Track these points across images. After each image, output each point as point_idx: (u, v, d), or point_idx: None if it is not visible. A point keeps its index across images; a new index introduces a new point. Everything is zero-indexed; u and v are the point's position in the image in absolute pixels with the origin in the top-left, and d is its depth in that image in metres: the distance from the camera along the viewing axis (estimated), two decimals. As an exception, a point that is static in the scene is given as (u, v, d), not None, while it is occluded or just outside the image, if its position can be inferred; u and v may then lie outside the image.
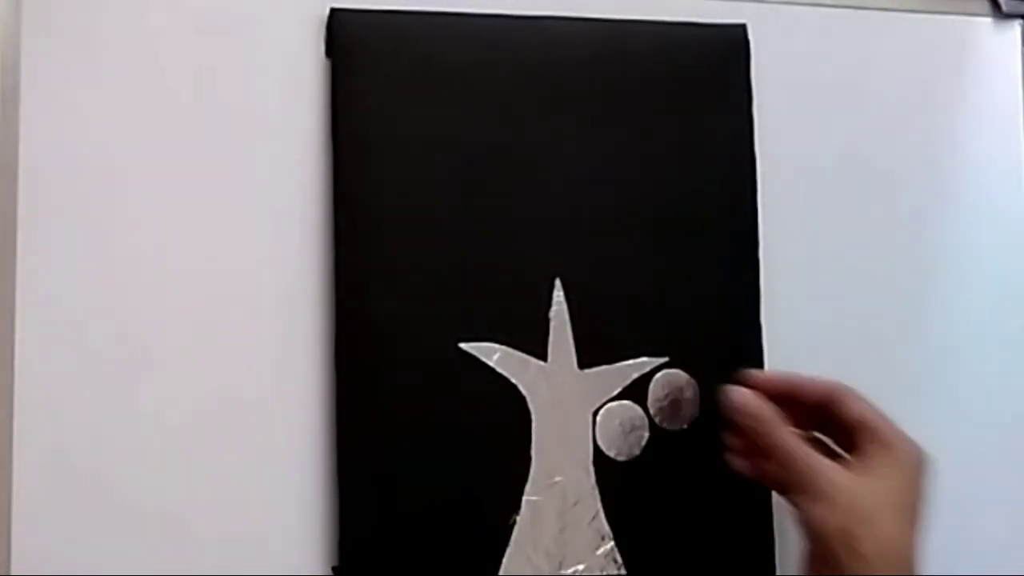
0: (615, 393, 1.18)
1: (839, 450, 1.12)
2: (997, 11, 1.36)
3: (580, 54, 1.20)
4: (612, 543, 1.16)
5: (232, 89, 1.14)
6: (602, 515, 1.16)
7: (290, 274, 1.14)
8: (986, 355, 1.32)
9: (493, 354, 1.15)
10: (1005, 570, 1.29)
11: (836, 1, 1.31)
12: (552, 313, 1.17)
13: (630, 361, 1.18)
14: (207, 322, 1.11)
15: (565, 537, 1.14)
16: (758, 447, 1.11)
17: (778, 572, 1.20)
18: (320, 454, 1.12)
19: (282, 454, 1.12)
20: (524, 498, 1.14)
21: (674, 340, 1.19)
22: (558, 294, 1.17)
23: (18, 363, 1.07)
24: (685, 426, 1.18)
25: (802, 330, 1.25)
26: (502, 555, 1.13)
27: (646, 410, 1.18)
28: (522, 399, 1.15)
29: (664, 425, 1.18)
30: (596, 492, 1.16)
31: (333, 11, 1.16)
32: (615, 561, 1.15)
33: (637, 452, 1.17)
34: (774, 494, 1.19)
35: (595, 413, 1.17)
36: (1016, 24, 1.36)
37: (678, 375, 1.18)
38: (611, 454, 1.17)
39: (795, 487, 1.07)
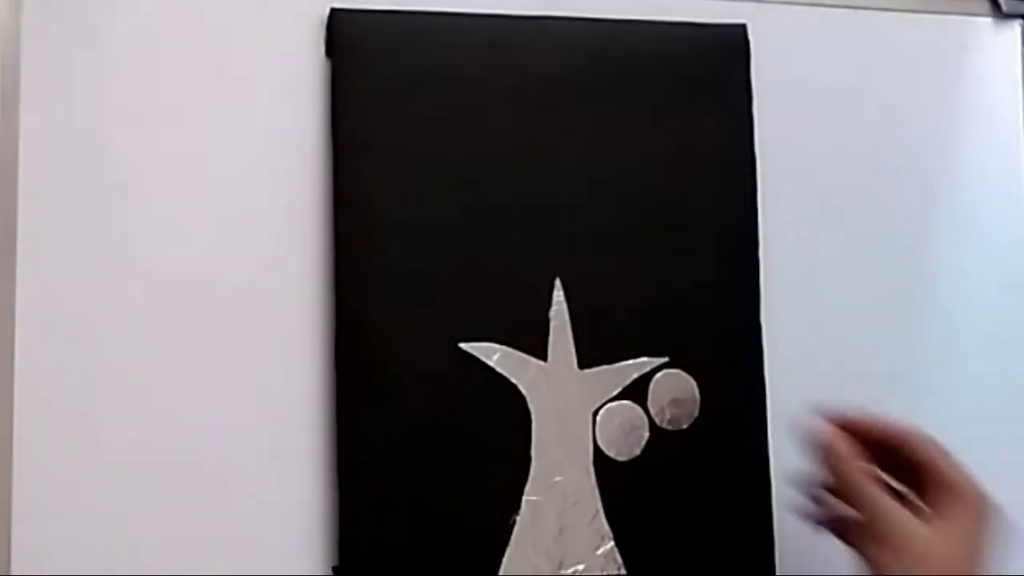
0: (615, 393, 1.18)
1: (902, 488, 1.10)
2: (997, 11, 1.36)
3: (580, 54, 1.20)
4: (612, 543, 1.16)
5: (232, 89, 1.14)
6: (602, 515, 1.16)
7: (290, 274, 1.14)
8: (986, 355, 1.32)
9: (493, 354, 1.15)
10: (1005, 569, 1.29)
11: (836, 1, 1.31)
12: (552, 313, 1.17)
13: (630, 361, 1.18)
14: (207, 322, 1.11)
15: (565, 537, 1.14)
16: (833, 486, 1.10)
17: (778, 572, 1.20)
18: (320, 454, 1.12)
19: (282, 454, 1.12)
20: (524, 498, 1.14)
21: (674, 340, 1.19)
22: (558, 294, 1.17)
23: (18, 363, 1.07)
24: (685, 426, 1.19)
25: (802, 330, 1.25)
26: (502, 555, 1.13)
27: (646, 410, 1.18)
28: (522, 399, 1.15)
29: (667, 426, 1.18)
30: (596, 492, 1.16)
31: (333, 11, 1.16)
32: (615, 561, 1.16)
33: (637, 452, 1.17)
34: (774, 494, 1.20)
35: (595, 413, 1.17)
36: (1016, 24, 1.37)
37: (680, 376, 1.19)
38: (611, 454, 1.17)
39: (867, 532, 1.06)
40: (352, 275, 1.13)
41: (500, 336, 1.15)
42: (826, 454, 1.10)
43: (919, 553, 1.02)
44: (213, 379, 1.11)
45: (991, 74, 1.35)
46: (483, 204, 1.16)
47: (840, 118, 1.30)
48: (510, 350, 1.15)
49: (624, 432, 1.17)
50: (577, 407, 1.16)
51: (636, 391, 1.18)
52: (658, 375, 1.18)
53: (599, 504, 1.16)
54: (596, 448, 1.16)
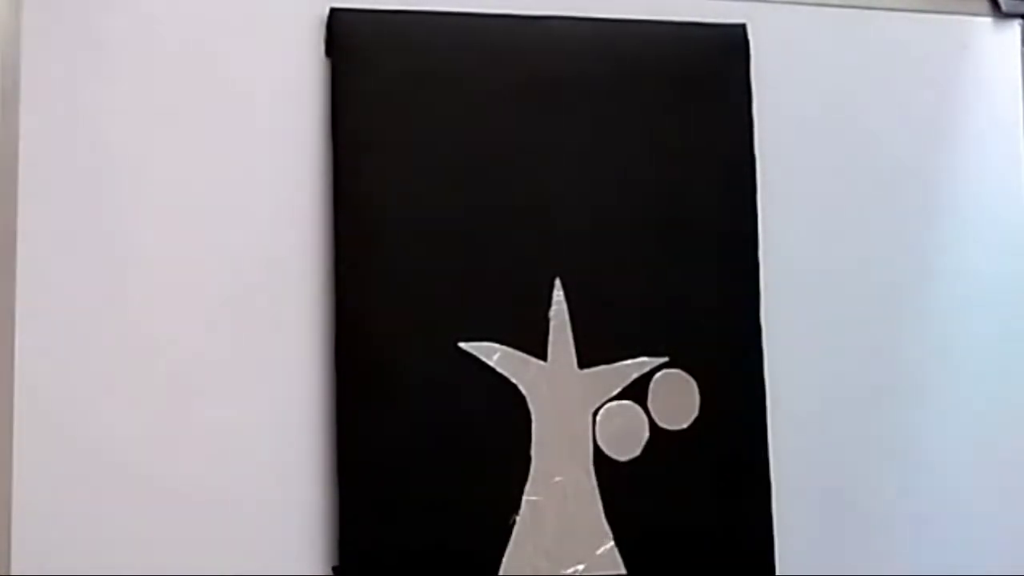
0: (615, 393, 1.18)
1: None
2: (997, 11, 1.36)
3: (581, 54, 1.20)
4: (612, 543, 1.16)
5: (232, 89, 1.14)
6: (602, 515, 1.16)
7: (290, 274, 1.14)
8: (985, 354, 1.32)
9: (493, 354, 1.15)
10: (1005, 569, 1.29)
11: (836, 1, 1.31)
12: (552, 313, 1.17)
13: (630, 361, 1.18)
14: (207, 322, 1.11)
15: (565, 537, 1.14)
16: None
17: (778, 572, 1.20)
18: (320, 454, 1.12)
19: (282, 455, 1.12)
20: (524, 498, 1.14)
21: (674, 340, 1.19)
22: (558, 294, 1.17)
23: (18, 363, 1.07)
24: (685, 426, 1.19)
25: (802, 330, 1.25)
26: (502, 555, 1.13)
27: (646, 410, 1.18)
28: (522, 399, 1.15)
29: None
30: (596, 492, 1.16)
31: (333, 11, 1.16)
32: (615, 561, 1.15)
33: (637, 452, 1.18)
34: (774, 494, 1.20)
35: (595, 413, 1.17)
36: (1016, 24, 1.36)
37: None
38: (611, 454, 1.17)
39: None
40: (352, 275, 1.13)
41: (500, 336, 1.15)
42: None
43: None
44: (213, 379, 1.11)
45: (991, 74, 1.35)
46: (483, 204, 1.16)
47: (840, 118, 1.30)
48: (510, 350, 1.15)
49: (624, 432, 1.17)
50: (577, 407, 1.16)
51: (636, 391, 1.18)
52: (658, 375, 1.19)
53: (599, 504, 1.16)
54: (596, 448, 1.16)
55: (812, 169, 1.28)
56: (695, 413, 1.18)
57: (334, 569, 1.11)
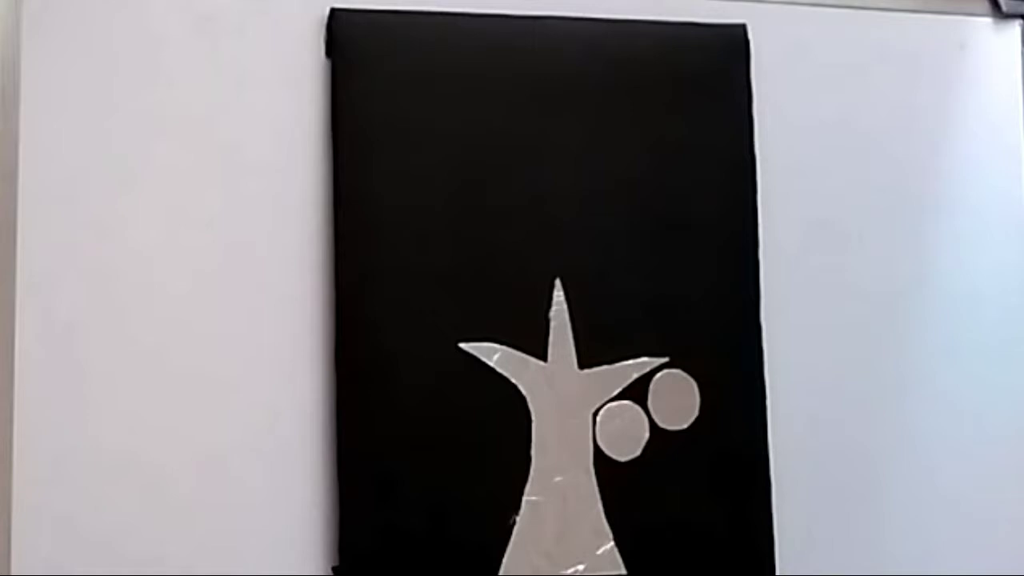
0: (615, 393, 1.18)
1: None
2: (997, 11, 1.36)
3: (580, 54, 1.21)
4: (612, 543, 1.16)
5: (232, 89, 1.14)
6: (602, 515, 1.16)
7: (290, 274, 1.14)
8: (986, 354, 1.32)
9: (493, 354, 1.15)
10: (1004, 568, 1.29)
11: (836, 1, 1.31)
12: (552, 313, 1.17)
13: (630, 361, 1.18)
14: (207, 322, 1.11)
15: (565, 537, 1.14)
16: None
17: (778, 572, 1.20)
18: (320, 454, 1.12)
19: (282, 455, 1.12)
20: (524, 498, 1.14)
21: (674, 340, 1.19)
22: (558, 294, 1.17)
23: (18, 363, 1.07)
24: (685, 426, 1.19)
25: (802, 330, 1.25)
26: (502, 555, 1.13)
27: (646, 410, 1.18)
28: (522, 399, 1.15)
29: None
30: (596, 492, 1.16)
31: (333, 11, 1.16)
32: (615, 561, 1.16)
33: (637, 452, 1.18)
34: (774, 494, 1.20)
35: (595, 413, 1.17)
36: (1016, 24, 1.36)
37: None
38: (611, 454, 1.17)
39: None
40: (352, 275, 1.13)
41: (500, 336, 1.15)
42: None
43: None
44: (213, 380, 1.11)
45: (991, 74, 1.35)
46: (483, 204, 1.16)
47: (840, 118, 1.30)
48: (510, 350, 1.15)
49: (624, 432, 1.17)
50: (577, 407, 1.17)
51: (636, 391, 1.18)
52: (658, 375, 1.19)
53: (599, 504, 1.16)
54: (596, 448, 1.16)
55: (812, 169, 1.28)
56: (695, 413, 1.19)
57: (334, 569, 1.11)
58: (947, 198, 1.33)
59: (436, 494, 1.12)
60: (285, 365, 1.13)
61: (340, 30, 1.15)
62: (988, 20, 1.36)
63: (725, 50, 1.25)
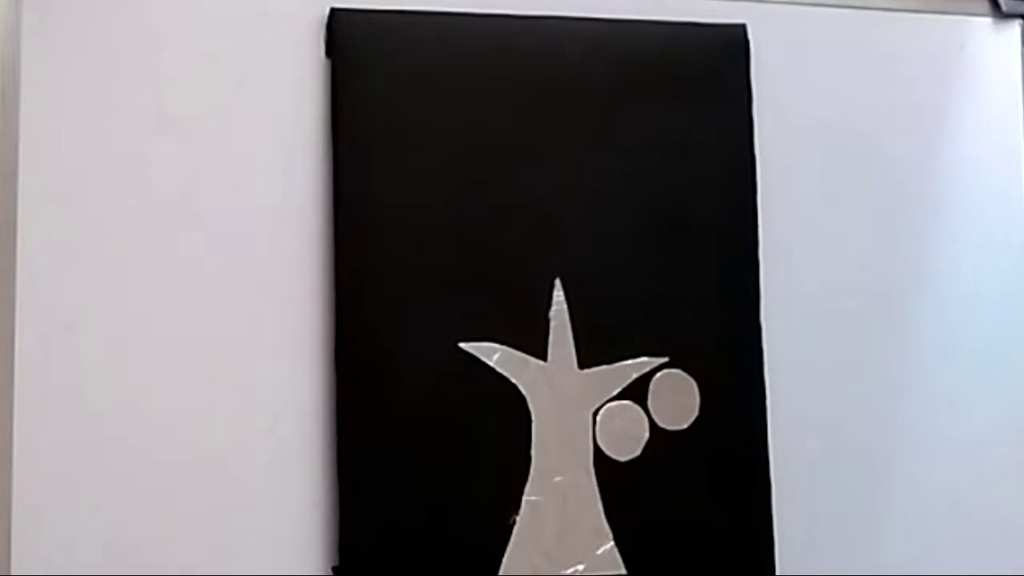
0: (615, 393, 1.18)
1: None
2: (997, 11, 1.36)
3: (581, 54, 1.21)
4: (612, 543, 1.16)
5: (232, 89, 1.14)
6: (602, 515, 1.16)
7: (290, 274, 1.14)
8: (986, 354, 1.32)
9: (493, 354, 1.15)
10: (1004, 568, 1.29)
11: (836, 1, 1.31)
12: (552, 313, 1.17)
13: (630, 361, 1.18)
14: (207, 322, 1.11)
15: (565, 537, 1.14)
16: None
17: (778, 572, 1.20)
18: (320, 454, 1.12)
19: (282, 454, 1.12)
20: (524, 498, 1.14)
21: (674, 340, 1.19)
22: (558, 294, 1.17)
23: (18, 363, 1.07)
24: (685, 426, 1.19)
25: (802, 330, 1.25)
26: (502, 555, 1.13)
27: (646, 410, 1.18)
28: (522, 399, 1.15)
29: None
30: (596, 492, 1.16)
31: (333, 11, 1.16)
32: (615, 561, 1.16)
33: (637, 452, 1.18)
34: (774, 493, 1.20)
35: (595, 413, 1.17)
36: (1016, 24, 1.36)
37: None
38: (611, 454, 1.17)
39: None
40: (352, 275, 1.13)
41: (500, 336, 1.15)
42: None
43: None
44: (213, 379, 1.11)
45: (991, 74, 1.35)
46: (483, 204, 1.16)
47: (840, 118, 1.30)
48: (510, 350, 1.15)
49: (624, 432, 1.17)
50: (577, 407, 1.17)
51: (636, 391, 1.18)
52: (658, 375, 1.19)
53: (599, 504, 1.16)
54: (596, 448, 1.16)
55: (812, 169, 1.28)
56: (695, 413, 1.19)
57: (334, 569, 1.11)
58: (947, 198, 1.33)
59: (436, 494, 1.12)
60: (285, 365, 1.13)
61: (340, 30, 1.15)
62: (988, 20, 1.36)
63: (725, 50, 1.25)
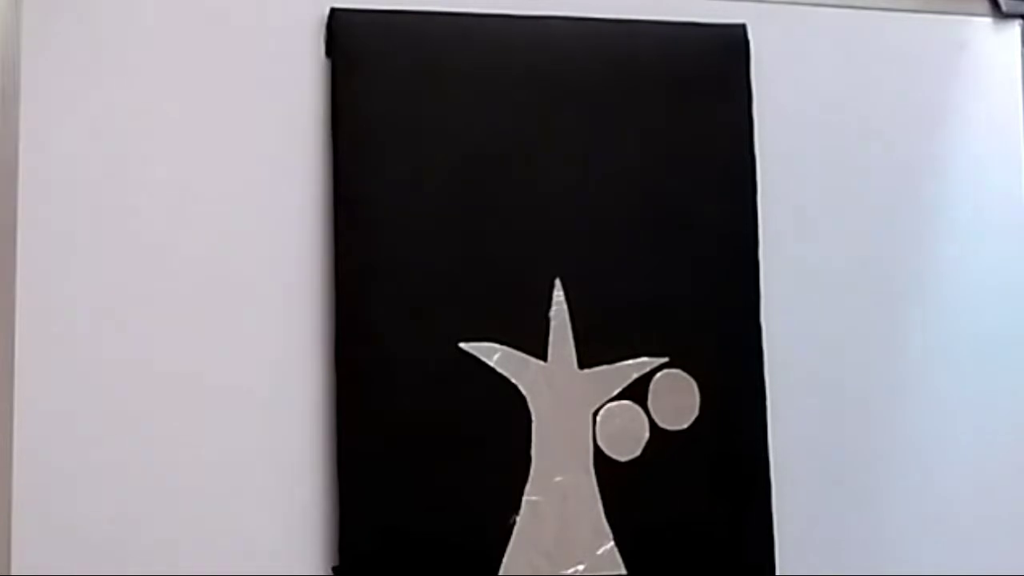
0: (615, 393, 1.18)
1: None
2: (997, 11, 1.36)
3: (581, 54, 1.20)
4: (612, 543, 1.16)
5: (233, 89, 1.14)
6: (602, 515, 1.16)
7: (290, 274, 1.14)
8: (986, 354, 1.32)
9: (493, 354, 1.15)
10: (1004, 568, 1.29)
11: (836, 1, 1.31)
12: (552, 313, 1.17)
13: (630, 361, 1.18)
14: (207, 322, 1.11)
15: (565, 537, 1.14)
16: None
17: (778, 572, 1.20)
18: (320, 454, 1.12)
19: (282, 455, 1.12)
20: (524, 498, 1.14)
21: (674, 340, 1.19)
22: (558, 294, 1.17)
23: (18, 363, 1.07)
24: (685, 426, 1.19)
25: (802, 330, 1.25)
26: (502, 555, 1.13)
27: (647, 410, 1.18)
28: (522, 399, 1.15)
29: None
30: (596, 492, 1.16)
31: (333, 11, 1.16)
32: (615, 561, 1.16)
33: (637, 452, 1.18)
34: (774, 493, 1.20)
35: (595, 413, 1.17)
36: (1016, 24, 1.36)
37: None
38: (611, 454, 1.17)
39: None
40: (352, 275, 1.13)
41: (500, 336, 1.15)
42: None
43: None
44: (213, 379, 1.11)
45: (991, 74, 1.35)
46: (483, 204, 1.16)
47: (840, 118, 1.30)
48: (510, 350, 1.15)
49: (624, 432, 1.17)
50: (577, 407, 1.16)
51: (636, 391, 1.18)
52: (658, 375, 1.19)
53: (599, 504, 1.16)
54: (596, 448, 1.16)
55: (812, 169, 1.28)
56: (695, 413, 1.19)
57: (334, 569, 1.11)
58: (947, 198, 1.33)
59: (436, 494, 1.12)
60: (285, 365, 1.13)
61: (340, 30, 1.15)
62: (988, 20, 1.36)
63: (725, 50, 1.25)
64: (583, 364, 1.16)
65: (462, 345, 1.14)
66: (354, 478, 1.11)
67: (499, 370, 1.14)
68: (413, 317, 1.13)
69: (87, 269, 1.09)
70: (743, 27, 1.25)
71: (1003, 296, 1.33)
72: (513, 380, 1.15)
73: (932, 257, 1.32)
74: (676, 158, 1.22)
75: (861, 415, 1.26)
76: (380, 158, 1.14)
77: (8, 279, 1.07)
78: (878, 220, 1.30)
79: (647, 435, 1.18)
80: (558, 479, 1.15)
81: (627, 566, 1.15)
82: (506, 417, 1.14)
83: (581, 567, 1.15)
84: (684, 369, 1.19)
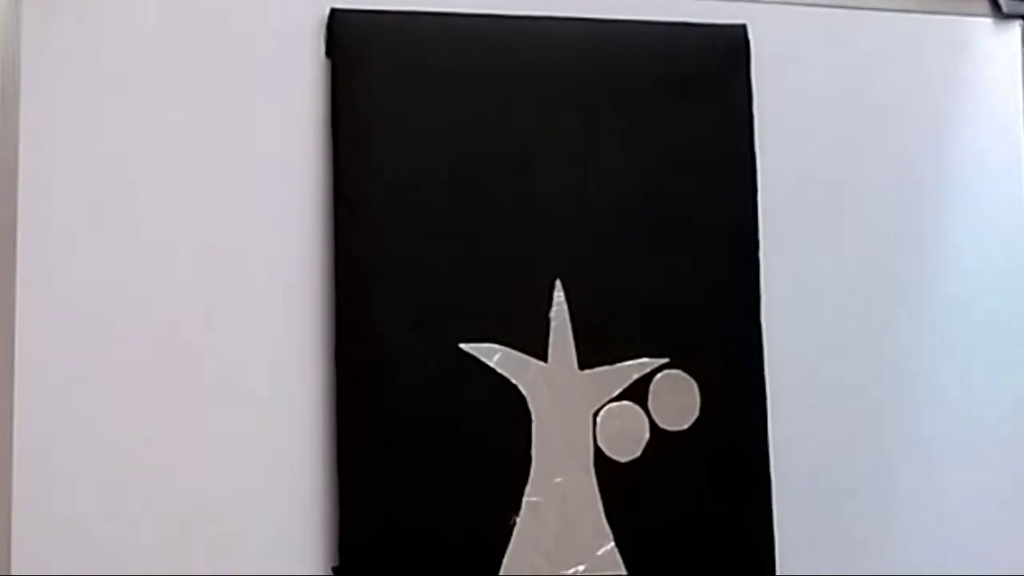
0: (615, 394, 1.18)
1: None
2: (997, 11, 1.36)
3: (580, 54, 1.20)
4: (612, 543, 1.16)
5: (232, 89, 1.14)
6: (602, 515, 1.16)
7: (290, 274, 1.14)
8: (986, 354, 1.32)
9: (493, 354, 1.15)
10: (1004, 568, 1.29)
11: (836, 1, 1.31)
12: (552, 313, 1.17)
13: (630, 361, 1.18)
14: (207, 321, 1.11)
15: (565, 538, 1.14)
16: None
17: (778, 572, 1.20)
18: (320, 454, 1.12)
19: (282, 455, 1.12)
20: (524, 498, 1.14)
21: (674, 340, 1.19)
22: (558, 294, 1.17)
23: (18, 363, 1.07)
24: (685, 426, 1.19)
25: (802, 330, 1.25)
26: (502, 555, 1.13)
27: (647, 410, 1.18)
28: (522, 399, 1.15)
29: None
30: (596, 492, 1.16)
31: (333, 11, 1.16)
32: (615, 561, 1.16)
33: (637, 453, 1.18)
34: (774, 493, 1.20)
35: (595, 414, 1.17)
36: (1016, 24, 1.36)
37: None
38: (611, 455, 1.17)
39: None
40: (352, 274, 1.13)
41: (500, 336, 1.15)
42: None
43: None
44: (213, 379, 1.11)
45: (991, 74, 1.35)
46: (483, 204, 1.16)
47: (840, 118, 1.30)
48: (510, 350, 1.15)
49: (624, 433, 1.17)
50: (577, 408, 1.17)
51: (636, 392, 1.18)
52: (658, 376, 1.19)
53: (599, 505, 1.16)
54: (596, 449, 1.16)
55: (812, 169, 1.28)
56: (695, 414, 1.19)
57: (334, 569, 1.11)
58: (947, 198, 1.33)
59: (436, 495, 1.12)
60: (285, 365, 1.13)
61: (340, 30, 1.15)
62: (988, 20, 1.36)
63: (725, 50, 1.25)
64: (583, 364, 1.17)
65: (462, 345, 1.14)
66: (354, 478, 1.11)
67: (499, 371, 1.14)
68: (413, 317, 1.13)
69: (87, 269, 1.09)
70: (743, 27, 1.25)
71: (1003, 296, 1.33)
72: (513, 380, 1.15)
73: (932, 257, 1.32)
74: (676, 158, 1.21)
75: (861, 415, 1.26)
76: (380, 158, 1.14)
77: (8, 279, 1.07)
78: (878, 220, 1.30)
79: (647, 435, 1.18)
80: (558, 480, 1.15)
81: (627, 567, 1.15)
82: (506, 417, 1.14)
83: (581, 567, 1.15)
84: (684, 369, 1.19)
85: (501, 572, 1.12)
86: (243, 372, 1.12)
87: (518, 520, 1.13)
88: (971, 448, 1.30)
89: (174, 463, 1.09)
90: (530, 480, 1.14)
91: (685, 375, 1.19)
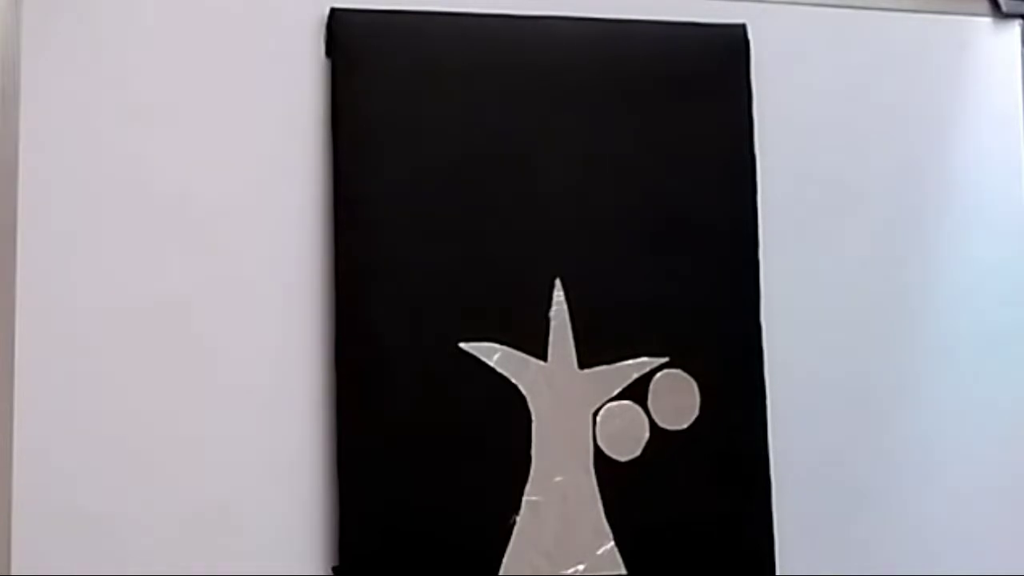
0: (615, 393, 1.18)
1: None
2: (997, 11, 1.36)
3: (580, 54, 1.20)
4: (612, 543, 1.16)
5: (232, 89, 1.14)
6: (602, 515, 1.16)
7: (290, 274, 1.14)
8: (986, 354, 1.32)
9: (493, 354, 1.15)
10: (1004, 568, 1.29)
11: (836, 1, 1.31)
12: (552, 313, 1.17)
13: (630, 361, 1.18)
14: (207, 321, 1.11)
15: (565, 537, 1.14)
16: None
17: (778, 572, 1.20)
18: (320, 454, 1.12)
19: (282, 454, 1.12)
20: (524, 498, 1.14)
21: (674, 340, 1.19)
22: (558, 294, 1.17)
23: (18, 363, 1.07)
24: (685, 426, 1.19)
25: (802, 330, 1.25)
26: (502, 555, 1.13)
27: (647, 410, 1.18)
28: (522, 399, 1.15)
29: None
30: (596, 492, 1.16)
31: (333, 11, 1.16)
32: (615, 561, 1.16)
33: (637, 452, 1.18)
34: (774, 493, 1.20)
35: (595, 413, 1.17)
36: (1016, 24, 1.36)
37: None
38: (611, 454, 1.17)
39: None
40: (352, 274, 1.13)
41: (500, 336, 1.15)
42: None
43: None
44: (213, 379, 1.11)
45: (991, 74, 1.35)
46: (483, 204, 1.16)
47: (840, 118, 1.30)
48: (510, 350, 1.15)
49: (624, 432, 1.17)
50: (577, 407, 1.16)
51: (636, 391, 1.18)
52: (658, 375, 1.19)
53: (599, 504, 1.16)
54: (596, 448, 1.16)
55: (812, 169, 1.28)
56: (695, 413, 1.19)
57: (334, 569, 1.11)
58: (947, 198, 1.33)
59: (436, 494, 1.12)
60: (285, 365, 1.13)
61: (340, 30, 1.16)
62: (988, 20, 1.36)
63: (725, 50, 1.25)
64: (583, 364, 1.17)
65: (462, 345, 1.14)
66: (354, 478, 1.11)
67: (499, 370, 1.14)
68: (413, 317, 1.13)
69: (87, 269, 1.09)
70: (743, 27, 1.25)
71: (1003, 295, 1.33)
72: (513, 380, 1.15)
73: (932, 257, 1.32)
74: (676, 158, 1.22)
75: (861, 415, 1.26)
76: (380, 158, 1.14)
77: (8, 279, 1.07)
78: (878, 220, 1.30)
79: (647, 435, 1.18)
80: (558, 479, 1.15)
81: (627, 566, 1.15)
82: (506, 417, 1.14)
83: (581, 567, 1.15)
84: (684, 369, 1.19)
85: (501, 571, 1.12)
86: (243, 372, 1.12)
87: (518, 519, 1.13)
88: (971, 448, 1.30)
89: (174, 463, 1.09)
90: (530, 479, 1.14)
91: (685, 375, 1.19)
